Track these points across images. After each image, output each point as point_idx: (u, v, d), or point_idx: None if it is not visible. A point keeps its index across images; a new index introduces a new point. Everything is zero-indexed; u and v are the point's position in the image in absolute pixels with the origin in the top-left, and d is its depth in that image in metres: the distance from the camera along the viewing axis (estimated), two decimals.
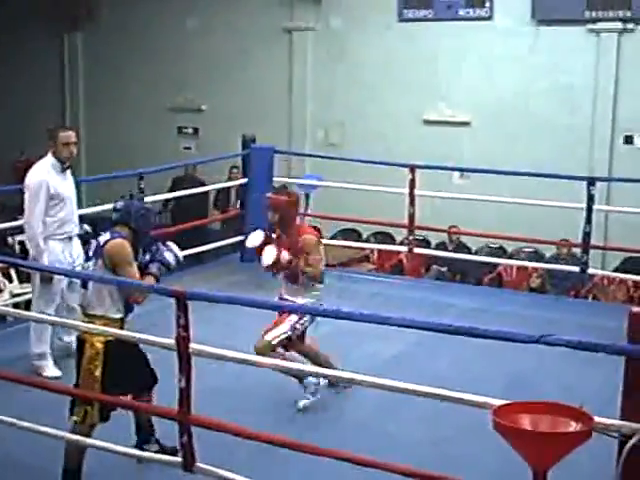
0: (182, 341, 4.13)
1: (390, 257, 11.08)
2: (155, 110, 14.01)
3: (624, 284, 10.17)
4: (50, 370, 6.06)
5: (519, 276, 10.78)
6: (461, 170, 11.00)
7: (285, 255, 5.44)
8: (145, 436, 4.82)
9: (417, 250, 9.05)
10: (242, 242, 8.88)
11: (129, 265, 4.55)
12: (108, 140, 14.26)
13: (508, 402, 3.22)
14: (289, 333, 5.45)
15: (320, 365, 5.56)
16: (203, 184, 11.25)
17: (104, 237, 4.61)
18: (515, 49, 11.40)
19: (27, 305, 8.10)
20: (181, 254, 4.85)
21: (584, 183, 7.97)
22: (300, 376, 5.41)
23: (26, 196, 6.00)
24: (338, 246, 10.17)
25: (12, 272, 8.97)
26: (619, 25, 10.76)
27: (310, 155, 11.97)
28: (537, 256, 10.98)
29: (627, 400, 3.40)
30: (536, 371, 5.97)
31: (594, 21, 10.85)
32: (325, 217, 10.45)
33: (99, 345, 4.48)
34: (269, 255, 5.44)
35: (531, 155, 10.96)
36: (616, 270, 10.29)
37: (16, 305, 7.77)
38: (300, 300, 5.53)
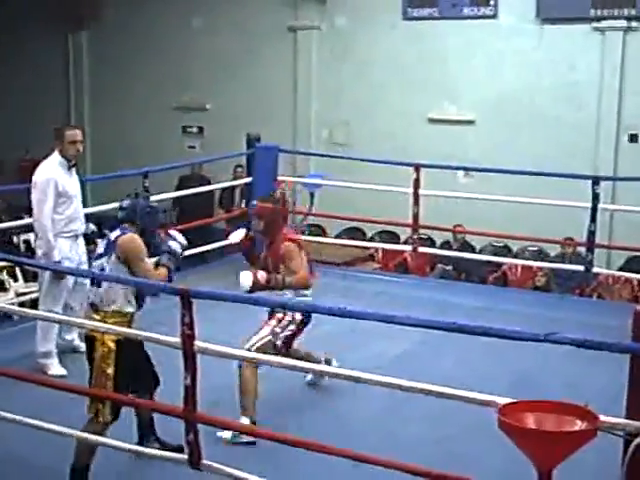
0: (187, 339, 4.14)
1: (395, 256, 11.07)
2: (160, 109, 14.02)
3: (629, 283, 10.14)
4: (55, 368, 6.09)
5: (524, 275, 10.77)
6: (466, 169, 10.99)
7: (263, 274, 5.30)
8: (146, 433, 4.83)
9: (422, 249, 9.05)
10: None
11: (141, 260, 4.62)
12: (113, 139, 14.28)
13: (513, 401, 3.22)
14: (269, 337, 5.31)
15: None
16: (210, 183, 11.26)
17: (115, 233, 4.67)
18: (520, 47, 11.39)
19: (32, 304, 8.13)
20: (184, 240, 4.88)
21: (589, 182, 7.97)
22: (246, 412, 5.15)
23: (34, 194, 6.06)
24: (343, 245, 10.17)
25: (17, 271, 8.98)
26: (624, 23, 10.74)
27: (315, 154, 11.97)
28: (542, 255, 10.97)
29: (632, 399, 3.40)
30: (541, 370, 5.97)
31: (599, 19, 10.84)
32: (330, 216, 10.45)
33: (111, 344, 4.50)
34: (246, 279, 5.27)
35: (536, 154, 10.95)
36: (621, 269, 10.28)
37: (21, 304, 7.79)
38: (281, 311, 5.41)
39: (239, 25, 13.20)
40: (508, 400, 3.28)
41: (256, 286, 5.26)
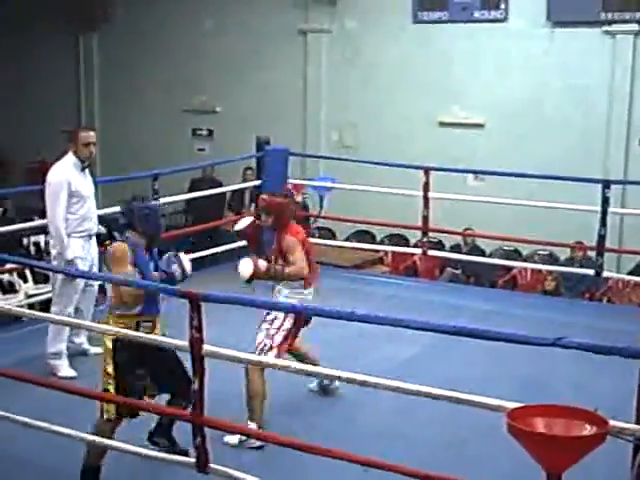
0: (196, 342, 4.14)
1: (404, 259, 11.07)
2: (170, 111, 14.05)
3: (639, 287, 10.12)
4: (65, 370, 6.11)
5: (533, 279, 10.75)
6: (475, 172, 10.99)
7: (263, 263, 5.30)
8: (159, 431, 4.82)
9: (431, 252, 9.04)
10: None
11: (116, 266, 4.62)
12: (123, 141, 14.32)
13: (522, 405, 3.21)
14: (266, 341, 5.26)
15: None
16: (221, 186, 11.28)
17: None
18: (530, 51, 11.38)
19: (42, 306, 8.15)
20: (189, 267, 4.78)
21: (599, 185, 7.95)
22: (253, 417, 5.12)
23: (48, 194, 6.14)
24: (352, 248, 10.17)
25: (27, 273, 9.00)
26: (635, 27, 10.73)
27: (324, 157, 11.98)
28: (552, 259, 10.95)
29: None
30: (550, 374, 5.95)
31: (610, 23, 10.82)
32: (339, 219, 10.45)
33: (109, 343, 4.56)
34: (246, 267, 5.26)
35: (546, 157, 10.93)
36: (631, 273, 10.25)
37: (31, 306, 7.81)
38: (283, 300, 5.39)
39: (249, 28, 13.22)
40: (517, 404, 3.27)
41: (256, 274, 5.26)
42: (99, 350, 4.88)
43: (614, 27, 10.82)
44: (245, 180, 11.62)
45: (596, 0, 10.73)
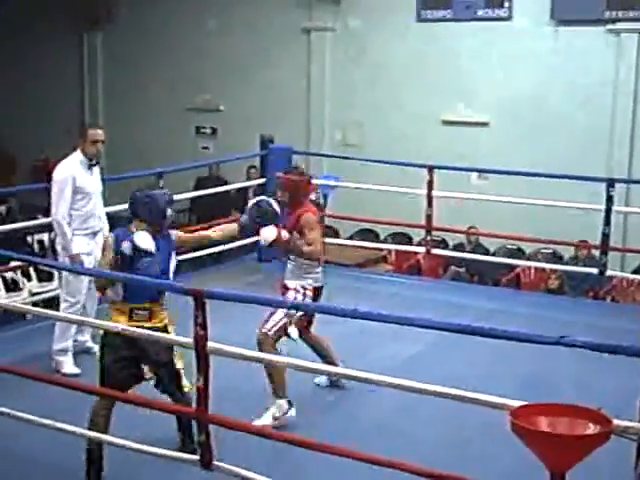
0: (200, 340, 4.14)
1: (408, 258, 11.06)
2: (174, 110, 14.06)
3: None
4: (69, 367, 6.13)
5: (537, 277, 10.74)
6: (479, 171, 10.99)
7: (285, 234, 5.40)
8: (184, 438, 4.84)
9: (435, 251, 9.04)
10: (259, 242, 8.91)
11: (101, 257, 4.85)
12: (126, 139, 14.31)
13: (526, 403, 3.21)
14: (284, 320, 5.37)
15: (326, 359, 5.58)
16: (227, 184, 11.29)
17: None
18: (534, 49, 11.37)
19: (46, 304, 8.17)
20: (143, 244, 4.63)
21: (603, 184, 7.94)
22: (278, 394, 5.28)
23: (53, 190, 6.18)
24: (355, 247, 10.17)
25: (31, 271, 9.02)
26: (639, 25, 10.70)
27: (328, 155, 11.98)
28: (555, 257, 10.94)
29: None
30: (554, 372, 5.95)
31: (614, 21, 10.81)
32: (343, 217, 10.46)
33: (101, 332, 4.73)
34: (269, 233, 5.33)
35: (550, 156, 10.92)
36: (635, 272, 10.24)
37: (35, 304, 7.82)
38: (298, 282, 5.52)
39: (252, 26, 13.23)
40: (521, 403, 3.27)
41: (277, 241, 5.35)
42: None
43: (618, 25, 10.80)
44: (249, 179, 11.62)
45: None
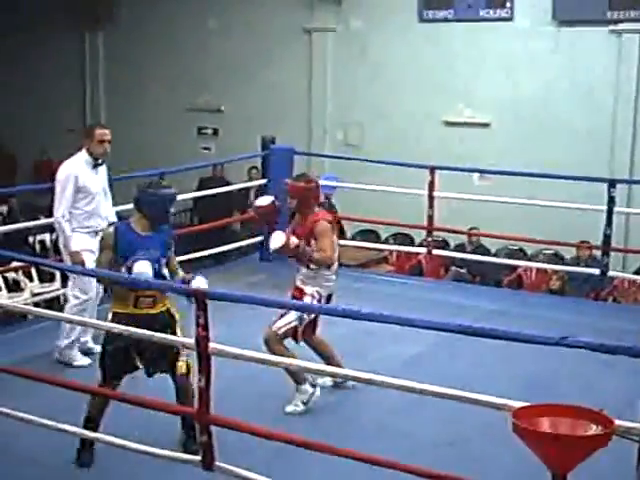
0: (202, 341, 4.14)
1: (409, 258, 11.06)
2: (175, 110, 14.07)
3: None
4: (81, 359, 6.18)
5: (539, 278, 10.73)
6: (481, 171, 10.98)
7: (294, 239, 5.40)
8: (185, 438, 4.86)
9: (436, 252, 9.04)
10: (262, 242, 8.93)
11: (100, 252, 4.91)
12: (128, 140, 14.28)
13: (527, 404, 3.21)
14: (295, 323, 5.40)
15: (328, 361, 5.57)
16: (229, 185, 11.30)
17: None
18: (536, 50, 11.37)
19: (47, 304, 8.17)
20: (143, 276, 4.70)
21: (605, 185, 7.94)
22: (298, 380, 5.38)
23: (56, 188, 6.19)
24: (357, 247, 10.17)
25: (33, 271, 9.02)
26: None
27: (329, 156, 11.98)
28: (557, 258, 10.94)
29: None
30: (555, 373, 5.94)
31: (616, 22, 10.81)
32: (344, 218, 10.45)
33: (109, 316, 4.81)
34: (278, 239, 5.38)
35: (551, 156, 10.92)
36: (637, 272, 10.24)
37: (37, 304, 7.82)
38: (310, 288, 5.51)
39: (254, 26, 13.23)
40: (522, 403, 3.27)
41: (285, 249, 5.38)
42: None
43: (620, 26, 10.80)
44: (250, 179, 11.62)
45: None
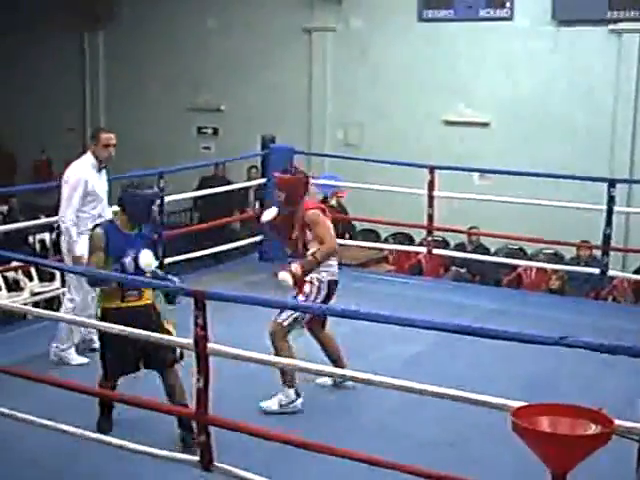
0: (200, 341, 4.14)
1: (409, 258, 11.05)
2: (175, 110, 14.06)
3: None
4: (77, 358, 6.18)
5: (538, 278, 10.72)
6: (480, 171, 10.98)
7: (296, 266, 5.40)
8: (184, 434, 4.86)
9: (436, 251, 9.03)
10: (261, 242, 8.93)
11: (91, 253, 4.97)
12: (128, 139, 14.23)
13: (527, 404, 3.20)
14: (298, 313, 5.39)
15: (335, 362, 5.57)
16: (230, 184, 11.30)
17: None
18: (536, 50, 11.36)
19: (47, 304, 8.16)
20: (146, 264, 4.91)
21: (605, 184, 7.93)
22: (287, 383, 5.35)
23: (64, 190, 6.19)
24: (357, 246, 10.16)
25: (33, 271, 9.02)
26: None
27: (329, 155, 11.97)
28: (557, 258, 10.93)
29: None
30: (555, 373, 5.94)
31: (616, 21, 10.80)
32: (344, 217, 10.44)
33: (98, 312, 5.02)
34: (287, 277, 5.36)
35: (551, 156, 10.92)
36: (637, 272, 10.22)
37: (36, 304, 7.82)
38: (314, 275, 5.50)
39: (254, 26, 13.23)
40: (522, 403, 3.27)
41: (298, 277, 5.39)
42: None
43: (620, 26, 10.80)
44: (250, 179, 11.62)
45: None
